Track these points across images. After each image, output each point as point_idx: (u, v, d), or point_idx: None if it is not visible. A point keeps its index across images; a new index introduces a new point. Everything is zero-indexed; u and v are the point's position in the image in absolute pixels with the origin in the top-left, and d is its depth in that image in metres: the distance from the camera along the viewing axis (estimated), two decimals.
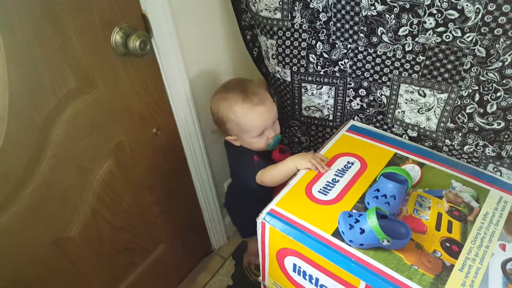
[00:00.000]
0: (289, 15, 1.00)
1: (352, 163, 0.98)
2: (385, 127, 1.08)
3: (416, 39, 0.87)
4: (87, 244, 1.03)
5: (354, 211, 0.86)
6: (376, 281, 0.73)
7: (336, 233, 0.81)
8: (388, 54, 0.94)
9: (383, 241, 0.75)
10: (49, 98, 0.82)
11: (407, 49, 0.90)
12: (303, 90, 1.15)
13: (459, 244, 0.79)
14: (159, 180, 1.19)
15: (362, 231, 0.77)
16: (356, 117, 1.13)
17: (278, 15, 1.02)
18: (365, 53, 0.97)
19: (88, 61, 0.87)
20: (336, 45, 1.00)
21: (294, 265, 0.88)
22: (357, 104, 1.09)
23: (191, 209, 1.39)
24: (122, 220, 1.12)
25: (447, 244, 0.79)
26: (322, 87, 1.11)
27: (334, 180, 0.94)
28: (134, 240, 1.19)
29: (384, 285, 0.72)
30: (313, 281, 0.86)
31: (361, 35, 0.94)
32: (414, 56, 0.90)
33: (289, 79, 1.14)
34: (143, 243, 1.24)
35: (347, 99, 1.10)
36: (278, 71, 1.15)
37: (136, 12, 0.94)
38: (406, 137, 1.06)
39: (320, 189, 0.92)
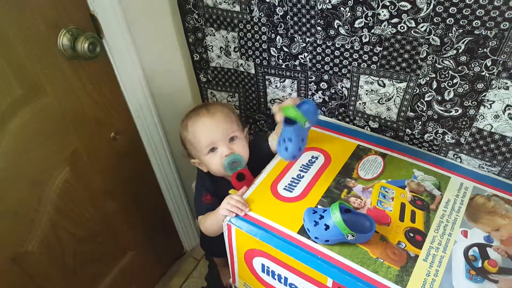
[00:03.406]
0: (247, 8, 0.99)
1: (317, 158, 0.98)
2: (347, 119, 1.08)
3: (372, 31, 0.87)
4: (48, 258, 0.98)
5: (319, 206, 0.85)
6: (342, 277, 0.73)
7: (302, 231, 0.80)
8: (346, 46, 0.93)
9: (347, 236, 0.74)
10: None
11: (364, 40, 0.89)
12: (267, 82, 1.13)
13: (422, 233, 0.79)
14: (121, 185, 1.14)
15: (327, 227, 0.76)
16: (319, 110, 1.12)
17: (237, 8, 1.01)
18: (323, 46, 0.96)
19: (34, 66, 0.82)
20: (295, 39, 0.99)
21: (263, 265, 0.87)
22: (319, 97, 1.08)
23: (159, 213, 1.36)
24: (85, 230, 1.07)
25: (411, 235, 0.79)
26: (285, 80, 1.10)
27: (299, 176, 0.93)
28: (100, 250, 1.15)
29: (350, 281, 0.72)
30: (282, 280, 0.85)
31: (318, 28, 0.93)
32: (371, 47, 0.90)
33: (253, 71, 1.13)
34: (110, 252, 1.20)
35: (309, 92, 1.09)
36: (242, 64, 1.12)
37: (84, 12, 0.89)
38: (368, 129, 1.06)
39: (286, 186, 0.91)
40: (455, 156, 0.95)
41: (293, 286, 0.84)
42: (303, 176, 0.93)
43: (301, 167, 0.95)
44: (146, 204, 1.28)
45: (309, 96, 1.10)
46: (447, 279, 0.71)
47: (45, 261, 0.98)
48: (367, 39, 0.89)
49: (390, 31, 0.85)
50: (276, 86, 1.12)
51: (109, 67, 0.97)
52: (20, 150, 0.84)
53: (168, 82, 1.17)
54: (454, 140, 0.93)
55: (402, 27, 0.83)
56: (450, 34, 0.78)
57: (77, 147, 0.96)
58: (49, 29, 0.82)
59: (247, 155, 0.97)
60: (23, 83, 0.81)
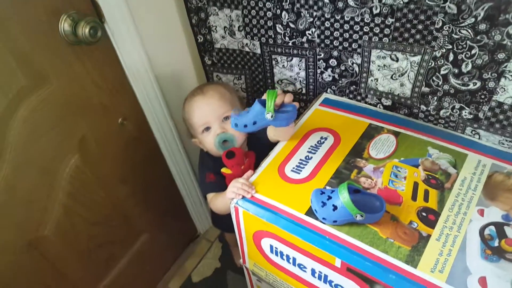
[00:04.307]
0: None
1: (326, 138, 0.95)
2: (359, 97, 1.04)
3: (383, 1, 0.82)
4: (63, 241, 1.01)
5: (327, 187, 0.83)
6: (351, 257, 0.71)
7: (310, 212, 0.78)
8: (356, 19, 0.88)
9: (356, 216, 0.72)
10: None
11: (374, 12, 0.85)
12: (273, 62, 1.10)
13: (435, 213, 0.76)
14: (132, 170, 1.15)
15: (335, 207, 0.74)
16: (329, 89, 1.08)
17: None
18: (332, 20, 0.92)
19: (37, 54, 0.82)
20: (302, 13, 0.95)
21: (271, 246, 0.86)
22: (329, 75, 1.04)
23: (171, 197, 1.36)
24: (98, 214, 1.09)
25: (424, 214, 0.76)
26: (292, 59, 1.06)
27: (307, 157, 0.90)
28: (113, 233, 1.17)
29: (359, 261, 0.70)
30: (291, 261, 0.84)
31: (326, 1, 0.89)
32: (382, 19, 0.85)
33: (259, 51, 1.09)
34: (124, 235, 1.22)
35: (318, 71, 1.05)
36: (247, 44, 1.09)
37: None
38: (381, 106, 1.02)
39: (293, 168, 0.88)
40: (473, 132, 0.90)
41: (301, 266, 0.83)
42: (311, 157, 0.90)
43: (309, 148, 0.92)
44: (158, 188, 1.29)
45: (318, 75, 1.06)
46: (461, 258, 0.68)
47: (60, 244, 1.00)
48: (377, 10, 0.84)
49: (402, 0, 0.79)
50: (283, 65, 1.09)
51: (112, 51, 0.96)
52: (28, 139, 0.85)
53: (173, 66, 1.15)
54: (472, 116, 0.88)
55: None
56: (468, 1, 0.72)
57: (85, 133, 0.97)
58: (50, 15, 0.82)
59: (241, 135, 0.97)
60: (27, 71, 0.81)
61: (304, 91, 1.13)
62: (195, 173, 1.38)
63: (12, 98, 0.80)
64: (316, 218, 0.77)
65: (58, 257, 1.01)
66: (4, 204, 0.84)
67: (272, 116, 0.78)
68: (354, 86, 1.03)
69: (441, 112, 0.92)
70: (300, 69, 1.07)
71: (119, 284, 1.23)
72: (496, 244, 0.70)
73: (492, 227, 0.72)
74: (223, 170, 0.97)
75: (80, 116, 0.94)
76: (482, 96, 0.83)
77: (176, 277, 1.44)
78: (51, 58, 0.84)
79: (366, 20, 0.87)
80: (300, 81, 1.11)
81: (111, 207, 1.12)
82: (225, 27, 1.09)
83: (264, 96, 0.80)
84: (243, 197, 0.84)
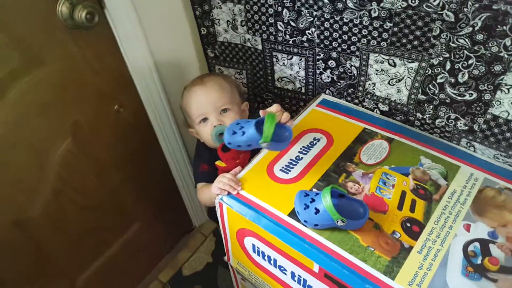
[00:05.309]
0: None
1: (319, 139, 0.93)
2: (356, 101, 1.02)
3: (382, 4, 0.80)
4: (51, 224, 1.02)
5: (314, 190, 0.82)
6: (329, 263, 0.70)
7: (293, 213, 0.77)
8: (354, 21, 0.87)
9: (337, 222, 0.71)
10: None
11: (373, 15, 0.83)
12: (274, 59, 1.09)
13: (420, 224, 0.74)
14: (127, 158, 1.15)
15: (317, 211, 0.73)
16: (327, 90, 1.07)
17: None
18: (331, 20, 0.90)
19: (33, 36, 0.82)
20: (302, 12, 0.93)
21: (253, 245, 0.85)
22: (328, 76, 1.03)
23: (166, 188, 1.37)
24: (89, 199, 1.10)
25: (408, 225, 0.74)
26: (292, 57, 1.05)
27: (297, 157, 0.89)
28: (104, 219, 1.18)
29: (337, 268, 0.69)
30: (272, 262, 0.84)
31: (326, 1, 0.87)
32: (381, 22, 0.83)
33: (260, 47, 1.08)
34: (115, 222, 1.23)
35: (318, 71, 1.03)
36: (249, 39, 1.08)
37: None
38: (378, 111, 1.00)
39: (282, 167, 0.88)
40: (468, 144, 0.88)
41: (282, 268, 0.82)
42: (301, 158, 0.89)
43: (301, 148, 0.91)
44: (153, 178, 1.29)
45: (317, 76, 1.05)
46: (441, 274, 0.66)
47: (48, 226, 1.01)
48: (376, 14, 0.82)
49: (400, 5, 0.78)
50: (283, 63, 1.07)
51: (112, 38, 0.96)
52: (19, 119, 0.85)
53: (175, 56, 1.15)
54: (467, 127, 0.85)
55: (413, 1, 0.76)
56: (465, 9, 0.70)
57: (79, 118, 0.97)
58: None
59: None
60: (22, 52, 0.82)
61: (303, 90, 1.11)
62: (192, 165, 1.38)
63: (2, 78, 0.80)
64: (298, 221, 0.76)
65: (45, 238, 1.02)
66: None
67: (267, 144, 0.75)
68: (352, 89, 1.01)
69: (437, 121, 0.90)
70: (300, 68, 1.06)
71: (107, 270, 1.24)
72: (479, 261, 0.68)
73: (477, 244, 0.71)
74: (218, 163, 0.97)
75: (74, 101, 0.95)
76: (478, 108, 0.81)
77: (167, 269, 1.45)
78: (47, 41, 0.84)
79: (364, 23, 0.86)
80: (299, 80, 1.09)
81: (103, 192, 1.12)
82: (228, 21, 1.08)
83: (262, 113, 0.77)
84: (229, 193, 0.83)
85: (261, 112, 0.78)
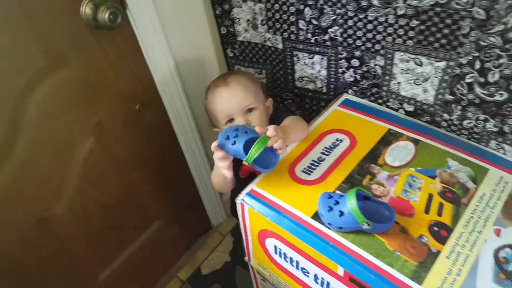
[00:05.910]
0: None
1: (341, 140, 0.92)
2: (380, 100, 1.00)
3: (408, 2, 0.78)
4: (74, 222, 1.03)
5: (337, 191, 0.80)
6: (354, 266, 0.69)
7: (316, 215, 0.76)
8: (379, 19, 0.85)
9: (363, 225, 0.70)
10: (18, 78, 0.79)
11: (399, 13, 0.81)
12: (295, 59, 1.08)
13: (448, 228, 0.72)
14: (147, 158, 1.16)
15: (342, 213, 0.71)
16: (350, 90, 1.05)
17: None
18: (355, 18, 0.88)
19: (58, 37, 0.83)
20: (325, 10, 0.92)
21: (275, 247, 0.85)
22: (351, 76, 1.01)
23: (186, 187, 1.37)
24: (111, 198, 1.11)
25: (435, 229, 0.72)
26: (313, 56, 1.03)
27: (319, 158, 0.88)
28: (126, 217, 1.19)
29: (363, 272, 0.68)
30: (294, 263, 0.83)
31: None
32: (407, 20, 0.81)
33: (280, 46, 1.07)
34: (136, 221, 1.24)
35: (340, 70, 1.02)
36: (269, 38, 1.08)
37: None
38: (403, 112, 0.98)
39: (304, 168, 0.86)
40: (498, 146, 0.85)
41: (304, 270, 0.81)
42: (324, 159, 0.88)
43: (323, 149, 0.90)
44: (173, 177, 1.30)
45: (339, 75, 1.03)
46: (471, 280, 0.65)
47: (71, 224, 1.02)
48: (402, 11, 0.80)
49: (428, 2, 0.75)
50: (304, 62, 1.06)
51: (133, 39, 0.97)
52: (44, 119, 0.86)
53: (195, 57, 1.15)
54: (496, 129, 0.82)
55: None
56: (497, 6, 0.68)
57: (102, 118, 0.98)
58: None
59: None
60: (47, 53, 0.82)
61: (324, 90, 1.10)
62: (211, 166, 1.38)
63: (30, 78, 0.81)
64: (322, 223, 0.75)
65: (69, 236, 1.03)
66: (18, 180, 0.87)
67: (250, 164, 0.77)
68: (376, 89, 0.99)
69: (465, 123, 0.87)
70: (321, 68, 1.05)
71: (128, 267, 1.25)
72: (511, 268, 0.66)
73: (509, 250, 0.68)
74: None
75: (97, 100, 0.96)
76: (509, 109, 0.78)
77: (186, 267, 1.46)
78: (72, 41, 0.85)
79: (390, 21, 0.84)
80: (321, 79, 1.08)
81: (124, 191, 1.13)
82: (248, 20, 1.07)
83: (260, 130, 0.78)
84: (249, 194, 0.82)
85: (257, 129, 0.79)
